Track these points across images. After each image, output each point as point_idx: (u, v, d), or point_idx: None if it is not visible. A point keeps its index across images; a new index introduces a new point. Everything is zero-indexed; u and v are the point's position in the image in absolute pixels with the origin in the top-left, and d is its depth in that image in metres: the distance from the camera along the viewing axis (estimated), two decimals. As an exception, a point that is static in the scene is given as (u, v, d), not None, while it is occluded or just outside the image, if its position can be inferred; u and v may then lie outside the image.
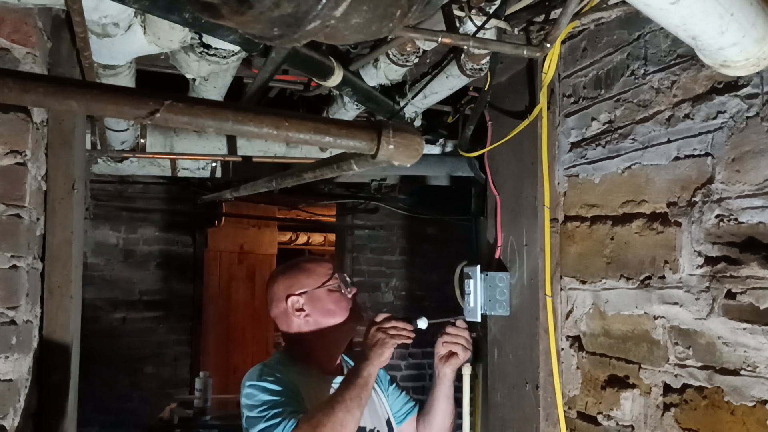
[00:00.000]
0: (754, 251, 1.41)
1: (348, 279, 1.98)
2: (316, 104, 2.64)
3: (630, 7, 1.51)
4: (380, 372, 2.02)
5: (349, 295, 1.96)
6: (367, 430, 1.87)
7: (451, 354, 1.96)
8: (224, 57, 1.78)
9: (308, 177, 1.76)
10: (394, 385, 2.12)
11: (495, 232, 2.38)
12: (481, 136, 2.45)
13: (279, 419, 1.65)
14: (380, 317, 1.84)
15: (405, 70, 2.07)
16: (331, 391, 1.82)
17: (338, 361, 1.99)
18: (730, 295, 1.46)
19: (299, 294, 1.90)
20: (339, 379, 1.84)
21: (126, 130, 2.58)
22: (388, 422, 1.98)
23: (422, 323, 1.91)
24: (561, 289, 2.06)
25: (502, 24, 1.81)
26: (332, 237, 6.86)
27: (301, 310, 1.90)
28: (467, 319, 2.34)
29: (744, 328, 1.42)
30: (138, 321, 5.04)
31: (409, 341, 1.82)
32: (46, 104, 0.95)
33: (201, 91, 2.14)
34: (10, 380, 1.48)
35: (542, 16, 1.85)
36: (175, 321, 5.17)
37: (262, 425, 1.67)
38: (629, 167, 1.79)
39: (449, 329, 1.97)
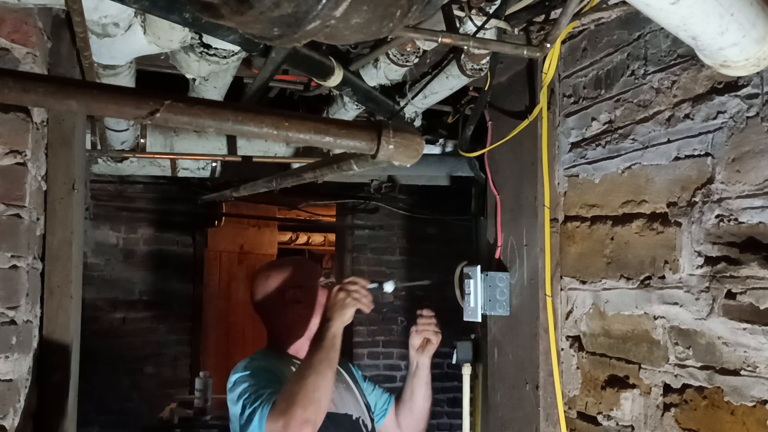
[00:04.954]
0: (754, 251, 1.41)
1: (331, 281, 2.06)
2: (316, 104, 2.64)
3: (630, 7, 1.51)
4: (352, 369, 2.11)
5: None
6: (353, 418, 1.91)
7: (427, 342, 2.07)
8: (224, 57, 1.78)
9: (308, 177, 1.76)
10: (366, 380, 2.17)
11: (495, 232, 2.38)
12: (481, 136, 2.45)
13: (258, 403, 1.70)
14: (346, 280, 1.91)
15: (405, 70, 2.07)
16: None
17: None
18: (730, 295, 1.46)
19: (297, 287, 1.99)
20: None
21: (126, 130, 2.58)
22: (370, 413, 2.02)
23: (388, 286, 2.03)
24: (561, 289, 2.06)
25: (502, 24, 1.81)
26: (332, 237, 6.85)
27: (298, 302, 1.98)
28: (467, 319, 2.34)
29: (744, 329, 1.42)
30: (138, 321, 5.03)
31: (368, 310, 1.88)
32: (46, 104, 0.95)
33: (201, 91, 2.13)
34: (10, 380, 1.48)
35: (542, 16, 1.85)
36: (175, 321, 5.16)
37: (247, 413, 1.70)
38: (629, 167, 1.79)
39: (420, 319, 2.09)
